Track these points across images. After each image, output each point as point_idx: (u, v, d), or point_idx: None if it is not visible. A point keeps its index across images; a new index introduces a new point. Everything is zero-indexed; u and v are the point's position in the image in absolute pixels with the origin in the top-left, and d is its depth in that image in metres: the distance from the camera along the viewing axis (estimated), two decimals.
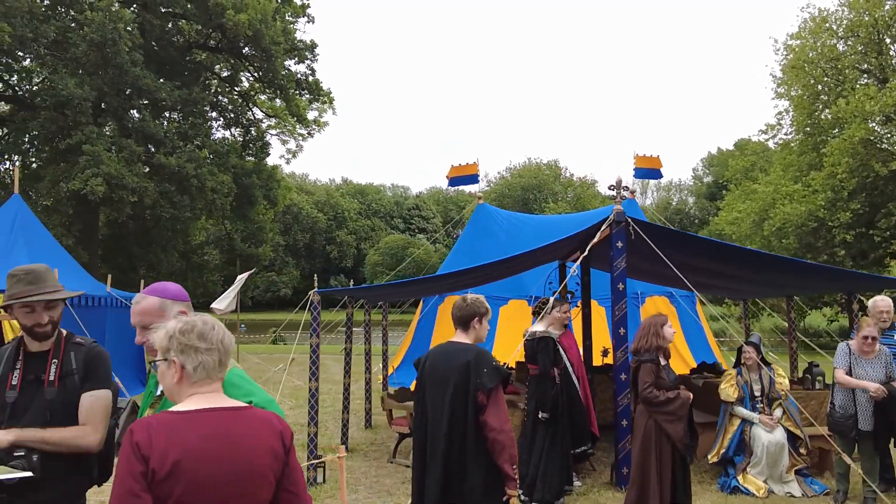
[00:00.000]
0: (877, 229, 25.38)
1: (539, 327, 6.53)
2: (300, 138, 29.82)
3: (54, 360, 2.79)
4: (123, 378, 13.27)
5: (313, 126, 24.24)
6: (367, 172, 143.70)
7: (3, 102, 19.77)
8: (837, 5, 30.03)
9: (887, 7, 27.10)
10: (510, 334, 13.88)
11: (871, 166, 25.67)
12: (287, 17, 22.75)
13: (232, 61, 23.23)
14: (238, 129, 24.00)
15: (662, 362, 5.22)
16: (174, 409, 1.95)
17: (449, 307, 13.88)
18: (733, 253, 7.85)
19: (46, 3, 17.29)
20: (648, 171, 15.51)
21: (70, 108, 16.36)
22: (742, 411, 6.76)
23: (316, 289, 6.92)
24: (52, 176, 16.88)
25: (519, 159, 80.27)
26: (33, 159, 19.67)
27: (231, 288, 10.35)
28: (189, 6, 19.49)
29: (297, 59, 22.98)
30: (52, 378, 2.75)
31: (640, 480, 5.08)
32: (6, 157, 19.39)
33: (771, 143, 37.77)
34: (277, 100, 26.32)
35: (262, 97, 25.39)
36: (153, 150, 18.98)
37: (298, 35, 23.09)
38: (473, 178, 16.52)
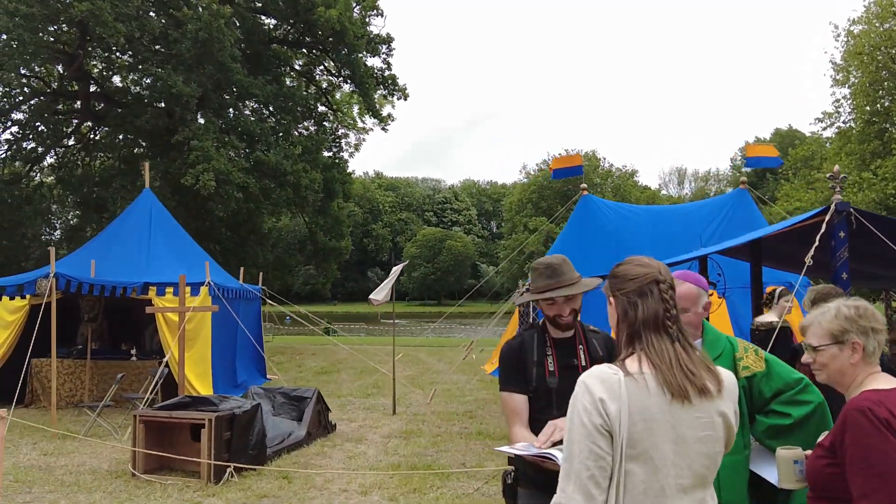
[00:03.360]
0: None
1: (769, 318, 6.63)
2: (361, 132, 30.10)
3: (580, 346, 2.85)
4: (246, 369, 13.61)
5: (388, 121, 24.46)
6: (398, 165, 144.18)
7: (102, 102, 20.17)
8: None
9: None
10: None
11: None
12: (358, 12, 22.93)
13: (312, 55, 23.49)
14: (312, 124, 24.25)
15: None
16: (880, 387, 2.06)
17: None
18: None
19: (151, 1, 17.60)
20: (763, 159, 15.44)
21: (179, 104, 16.69)
22: None
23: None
24: (158, 170, 17.24)
25: (556, 150, 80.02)
26: (138, 152, 20.06)
27: (387, 280, 10.56)
28: (279, 2, 19.75)
29: (373, 53, 23.17)
30: (584, 364, 2.78)
31: None
32: (105, 152, 19.84)
33: (827, 133, 37.15)
34: (354, 95, 26.52)
35: (337, 94, 25.69)
36: (251, 146, 19.31)
37: (372, 29, 23.30)
38: (578, 170, 16.54)
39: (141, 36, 16.62)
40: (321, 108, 25.28)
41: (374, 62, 23.80)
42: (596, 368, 1.81)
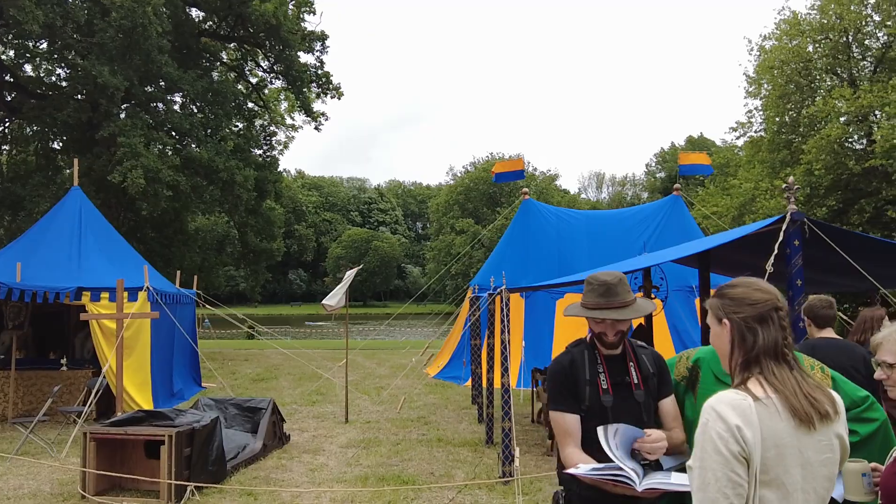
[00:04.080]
0: (850, 224, 26.86)
1: None
2: (291, 130, 29.40)
3: (630, 363, 2.79)
4: (182, 377, 13.01)
5: (322, 119, 23.95)
6: (320, 164, 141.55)
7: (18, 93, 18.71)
8: (808, 8, 31.42)
9: (854, 9, 28.58)
10: (569, 328, 14.21)
11: (845, 164, 27.13)
12: (292, 8, 22.35)
13: (244, 50, 22.66)
14: (242, 121, 23.44)
15: None
16: None
17: (567, 303, 14.11)
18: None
19: None
20: (696, 166, 16.05)
21: (104, 96, 15.68)
22: None
23: (505, 287, 6.95)
24: (81, 167, 16.18)
25: (482, 153, 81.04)
26: (56, 147, 18.73)
27: (341, 285, 10.29)
28: None
29: (307, 50, 22.62)
30: (636, 381, 2.75)
31: None
32: (18, 146, 18.33)
33: (741, 141, 39.10)
34: (284, 91, 25.83)
35: (266, 90, 24.89)
36: (182, 142, 18.40)
37: (306, 26, 22.75)
38: (520, 174, 16.74)
39: (64, 25, 15.52)
40: (250, 105, 24.53)
41: (307, 59, 23.29)
42: (723, 394, 1.78)
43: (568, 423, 2.71)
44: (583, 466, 2.48)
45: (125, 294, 9.49)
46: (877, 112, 27.60)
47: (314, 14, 22.95)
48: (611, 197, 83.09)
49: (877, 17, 29.47)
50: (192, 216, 23.93)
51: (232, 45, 22.96)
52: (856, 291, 14.22)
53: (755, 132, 35.52)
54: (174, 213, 19.34)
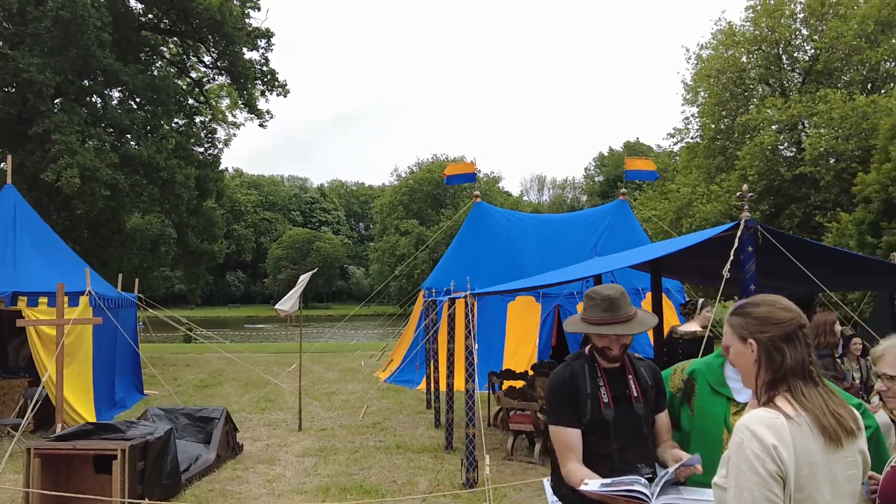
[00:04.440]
0: (781, 229, 28.08)
1: (692, 327, 7.00)
2: (232, 127, 28.70)
3: (629, 376, 2.80)
4: (123, 385, 12.49)
5: (266, 117, 23.42)
6: (259, 162, 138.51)
7: None
8: (742, 20, 32.60)
9: (784, 23, 29.89)
10: (521, 331, 14.32)
11: (777, 171, 28.32)
12: (237, 3, 21.80)
13: (186, 45, 21.92)
14: (183, 118, 22.70)
15: None
16: None
17: (522, 304, 14.12)
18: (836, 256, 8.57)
19: None
20: (642, 172, 16.41)
21: (31, 92, 14.86)
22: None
23: (470, 292, 6.92)
24: (13, 164, 15.31)
25: (426, 155, 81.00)
26: None
27: (294, 289, 10.05)
28: None
29: (252, 46, 22.09)
30: (635, 394, 2.76)
31: None
32: None
33: (677, 147, 40.21)
34: (225, 87, 25.19)
35: (209, 85, 24.21)
36: (121, 139, 17.61)
37: (252, 22, 22.24)
38: (471, 177, 16.78)
39: None
40: (191, 101, 23.80)
41: (251, 56, 22.76)
42: (757, 413, 1.78)
43: (570, 437, 2.69)
44: (591, 483, 2.46)
45: (66, 298, 9.04)
46: (805, 121, 28.91)
47: (259, 10, 22.42)
48: (552, 199, 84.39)
49: (805, 32, 30.84)
50: (129, 216, 23.04)
51: (174, 39, 22.21)
52: (798, 295, 14.85)
53: (692, 138, 36.68)
54: (111, 212, 18.53)
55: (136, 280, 13.43)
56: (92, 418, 9.24)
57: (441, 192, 59.80)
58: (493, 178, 65.45)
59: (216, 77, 23.36)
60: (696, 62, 35.23)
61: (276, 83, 23.06)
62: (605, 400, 2.73)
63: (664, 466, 2.74)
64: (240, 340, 32.86)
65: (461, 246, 16.20)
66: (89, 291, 9.99)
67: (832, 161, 25.73)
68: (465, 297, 6.82)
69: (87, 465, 6.42)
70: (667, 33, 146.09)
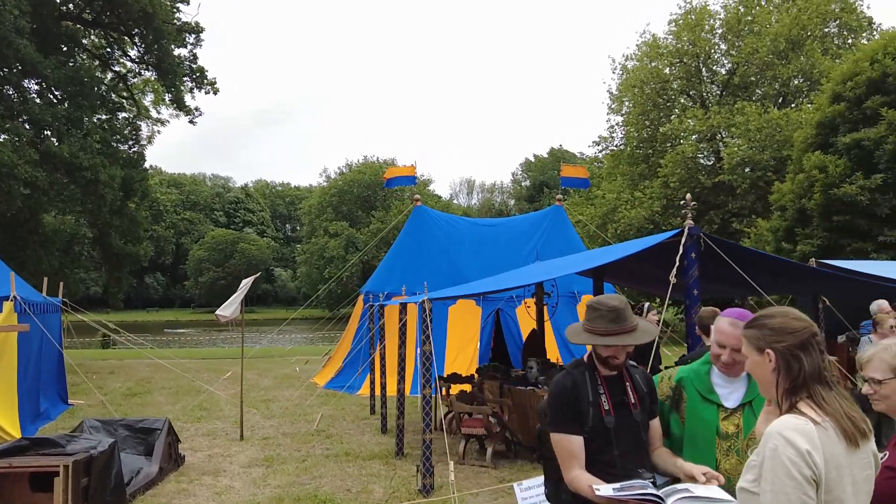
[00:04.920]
0: None
1: None
2: (157, 124, 27.67)
3: (627, 383, 2.87)
4: (47, 395, 11.83)
5: (195, 114, 22.64)
6: (179, 160, 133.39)
7: None
8: (665, 33, 33.92)
9: (704, 37, 31.34)
10: (462, 335, 14.40)
11: (697, 178, 29.63)
12: None
13: (111, 38, 20.88)
14: (105, 113, 21.65)
15: None
16: None
17: (462, 308, 14.10)
18: (772, 263, 9.02)
19: None
20: (575, 179, 16.81)
21: None
22: None
23: (427, 296, 6.91)
24: None
25: (355, 157, 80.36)
26: None
27: (236, 294, 9.77)
28: None
29: (181, 42, 21.31)
30: (633, 401, 2.83)
31: None
32: None
33: (602, 154, 41.34)
34: (149, 83, 24.21)
35: (134, 81, 23.17)
36: (40, 134, 16.55)
37: (181, 17, 21.46)
38: (411, 180, 16.77)
39: None
40: (114, 97, 22.75)
41: (180, 52, 21.96)
42: (787, 420, 1.87)
43: (573, 444, 2.74)
44: (604, 487, 2.51)
45: None
46: (723, 132, 30.37)
47: (188, 4, 21.65)
48: (481, 203, 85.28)
49: (723, 46, 32.37)
50: (45, 216, 21.77)
51: (97, 31, 21.15)
52: (728, 298, 15.59)
53: (616, 146, 37.84)
54: (29, 211, 17.44)
55: (61, 283, 12.72)
56: (17, 433, 8.71)
57: (371, 194, 59.41)
58: (424, 181, 65.46)
59: (142, 72, 22.40)
60: (621, 72, 36.31)
61: (206, 81, 22.35)
62: (606, 407, 2.79)
63: (660, 472, 2.83)
64: (166, 346, 31.60)
65: (401, 250, 16.16)
66: (14, 296, 9.41)
67: (748, 170, 27.07)
68: (423, 301, 6.81)
69: (22, 484, 6.04)
70: (592, 43, 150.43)
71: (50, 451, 5.96)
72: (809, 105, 26.08)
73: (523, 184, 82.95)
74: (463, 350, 14.11)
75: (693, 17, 31.71)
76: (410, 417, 9.14)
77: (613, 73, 38.21)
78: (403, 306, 8.70)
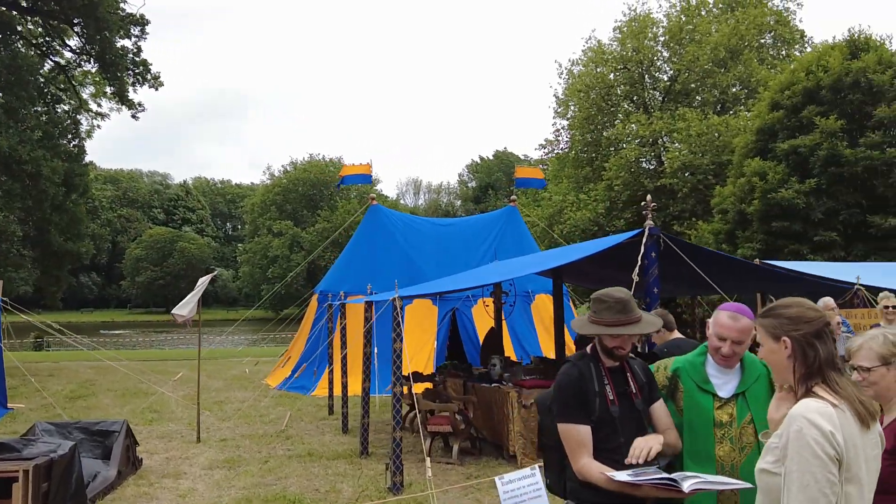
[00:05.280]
0: None
1: None
2: (97, 118, 26.68)
3: (628, 374, 2.98)
4: None
5: (139, 108, 21.92)
6: (114, 155, 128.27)
7: None
8: (610, 39, 34.72)
9: (647, 44, 32.26)
10: (419, 334, 14.43)
11: (640, 182, 30.45)
12: None
13: (49, 26, 19.97)
14: (42, 105, 20.76)
15: None
16: None
17: (419, 307, 14.05)
18: (730, 263, 9.38)
19: None
20: (530, 180, 17.06)
21: None
22: None
23: (398, 294, 6.92)
24: None
25: (299, 155, 79.03)
26: None
27: (192, 293, 9.54)
28: None
29: (125, 34, 20.60)
30: (634, 391, 2.94)
31: None
32: None
33: (548, 157, 42.00)
34: (88, 75, 23.33)
35: (74, 72, 22.24)
36: None
37: (126, 7, 20.75)
38: (366, 178, 16.71)
39: None
40: (52, 88, 21.83)
41: (124, 43, 21.23)
42: (808, 403, 2.01)
43: (582, 434, 2.83)
44: (618, 474, 2.61)
45: None
46: (665, 137, 31.30)
47: None
48: (427, 203, 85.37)
49: (666, 54, 33.36)
50: None
51: (34, 19, 20.24)
52: (681, 296, 16.10)
53: (562, 149, 38.51)
54: None
55: (0, 282, 12.15)
56: None
57: (317, 193, 58.72)
58: (374, 181, 65.16)
59: (83, 64, 21.56)
60: (567, 77, 36.93)
61: (149, 74, 21.69)
62: (611, 397, 2.89)
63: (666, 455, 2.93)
64: (106, 347, 30.47)
65: (356, 249, 16.08)
66: None
67: (689, 174, 27.95)
68: (394, 299, 6.83)
69: None
70: (539, 47, 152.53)
71: (7, 456, 5.72)
72: (747, 112, 27.14)
73: (469, 185, 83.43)
74: (420, 349, 14.14)
75: (637, 24, 32.52)
76: (371, 417, 9.12)
77: (560, 77, 38.80)
78: (369, 305, 8.68)
